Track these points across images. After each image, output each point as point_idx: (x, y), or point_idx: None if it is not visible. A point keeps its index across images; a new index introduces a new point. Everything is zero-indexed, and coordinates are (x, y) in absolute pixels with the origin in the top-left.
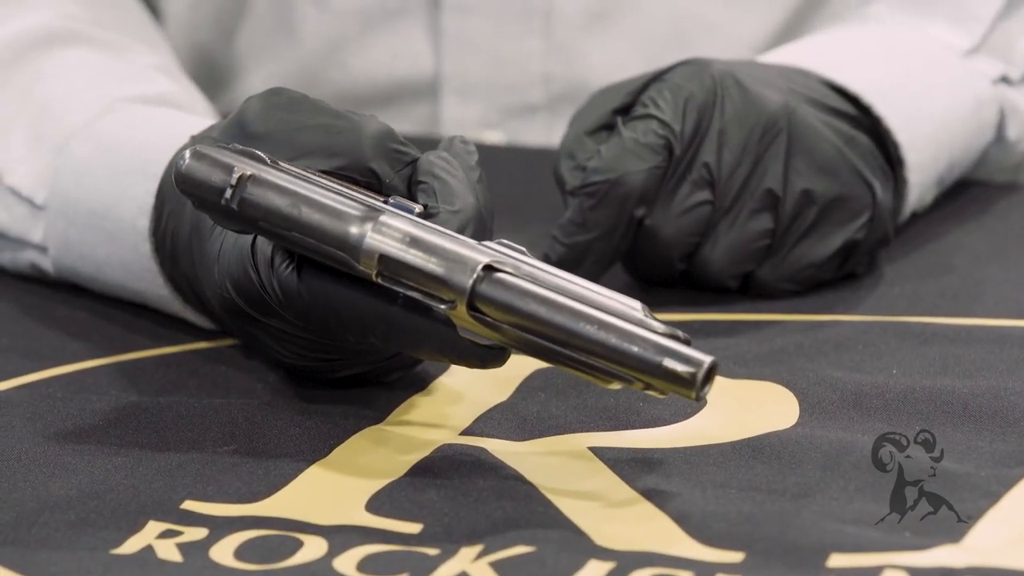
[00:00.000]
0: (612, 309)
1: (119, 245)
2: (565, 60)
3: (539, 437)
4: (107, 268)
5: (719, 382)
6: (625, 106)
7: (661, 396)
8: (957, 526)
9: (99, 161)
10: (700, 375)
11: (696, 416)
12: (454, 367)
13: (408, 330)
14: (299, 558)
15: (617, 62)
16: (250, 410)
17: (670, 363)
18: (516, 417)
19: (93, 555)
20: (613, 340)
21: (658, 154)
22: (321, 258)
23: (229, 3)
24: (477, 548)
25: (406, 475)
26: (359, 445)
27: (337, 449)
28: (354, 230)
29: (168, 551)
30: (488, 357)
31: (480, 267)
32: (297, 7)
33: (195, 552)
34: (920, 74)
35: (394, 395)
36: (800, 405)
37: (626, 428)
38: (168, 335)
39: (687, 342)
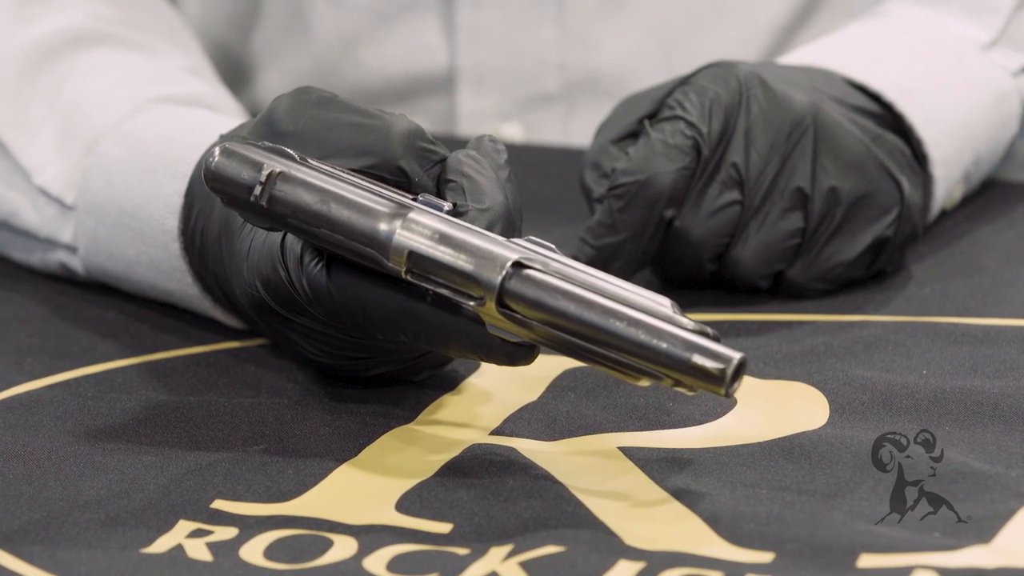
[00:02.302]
0: (641, 306)
1: (148, 244)
2: (580, 48)
3: (569, 437)
4: (137, 267)
5: (749, 382)
6: (650, 114)
7: (691, 393)
8: (988, 526)
9: (129, 161)
10: (729, 371)
11: (726, 416)
12: (484, 366)
13: (437, 327)
14: (329, 558)
15: (632, 48)
16: (280, 410)
17: (699, 359)
18: (546, 417)
19: (123, 554)
20: (642, 337)
21: (686, 155)
22: (350, 255)
23: (244, 2)
24: (507, 548)
25: (436, 475)
26: (389, 445)
27: (367, 449)
28: (383, 227)
29: (198, 550)
30: (517, 354)
31: (509, 263)
32: (311, 4)
33: (225, 551)
34: (940, 70)
35: (424, 395)
36: (830, 405)
37: (656, 428)
38: (198, 335)
39: (716, 339)
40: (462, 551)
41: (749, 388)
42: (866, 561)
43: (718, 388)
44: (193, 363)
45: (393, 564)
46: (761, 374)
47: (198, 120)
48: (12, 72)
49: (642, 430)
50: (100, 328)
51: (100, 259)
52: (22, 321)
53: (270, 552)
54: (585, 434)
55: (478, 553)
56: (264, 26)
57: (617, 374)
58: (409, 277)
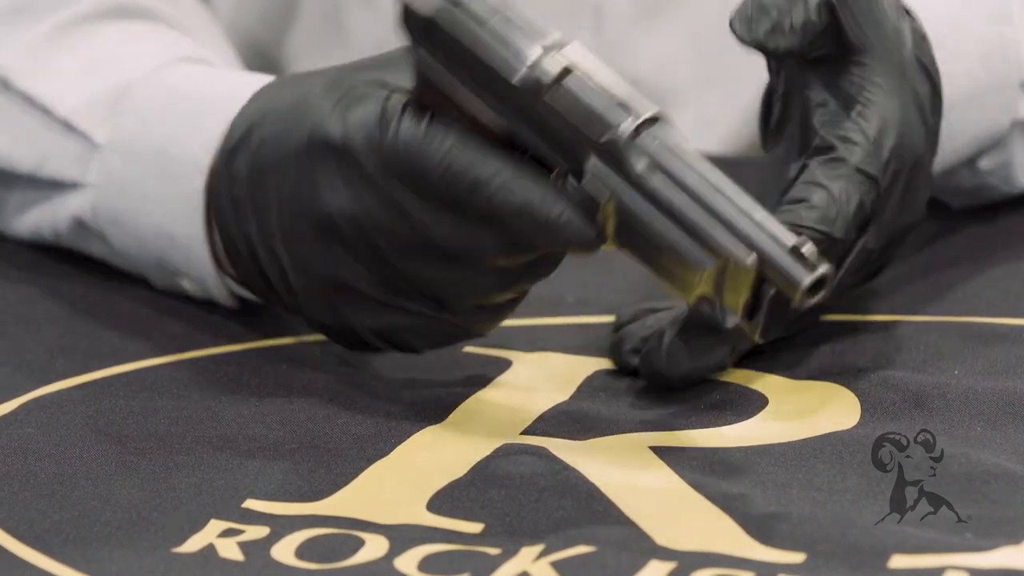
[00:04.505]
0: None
1: (172, 182)
2: (616, 55)
3: (600, 436)
4: (150, 206)
5: (780, 383)
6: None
7: (737, 317)
8: (1020, 527)
9: (165, 102)
10: (807, 279)
11: (757, 416)
12: (514, 366)
13: (518, 192)
14: (360, 557)
15: (669, 56)
16: (312, 409)
17: (789, 254)
18: (577, 416)
19: (155, 554)
20: (742, 221)
21: None
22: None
23: (278, 6)
24: (538, 548)
25: (467, 474)
26: (420, 444)
27: (398, 448)
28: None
29: (230, 550)
30: (583, 239)
31: (646, 117)
32: (346, 9)
33: (257, 551)
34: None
35: (455, 394)
36: (861, 406)
37: (687, 428)
38: (229, 334)
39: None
40: (493, 551)
41: (780, 388)
42: (897, 562)
43: (793, 288)
44: (224, 362)
45: (424, 564)
46: (792, 374)
47: (233, 74)
48: (42, 36)
49: (673, 430)
50: (131, 327)
51: (113, 199)
52: (54, 320)
53: (301, 552)
54: (616, 434)
55: (509, 553)
56: (298, 29)
57: (678, 269)
58: (548, 99)
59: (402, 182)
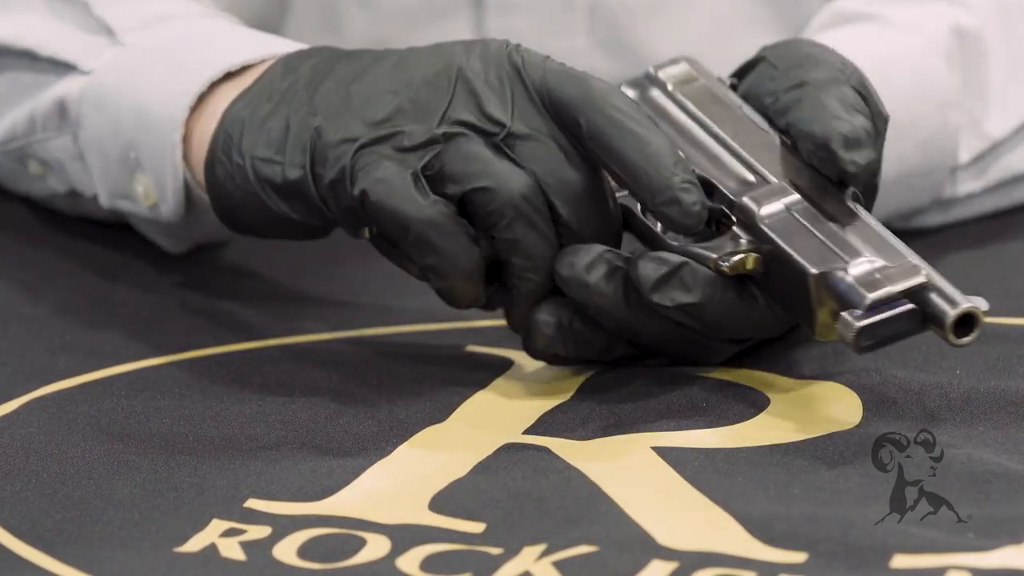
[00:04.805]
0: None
1: (181, 75)
2: (610, 56)
3: (602, 436)
4: (144, 90)
5: (782, 382)
6: None
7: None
8: (1021, 527)
9: (206, 31)
10: (953, 314)
11: (759, 416)
12: (518, 365)
13: (662, 143)
14: (362, 557)
15: (662, 57)
16: (313, 408)
17: (945, 282)
18: (579, 416)
19: (156, 553)
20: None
21: None
22: None
23: (272, 6)
24: (540, 547)
25: (469, 474)
26: (422, 444)
27: (400, 448)
28: None
29: (231, 549)
30: (693, 212)
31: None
32: (342, 8)
33: (258, 550)
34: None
35: (457, 394)
36: (864, 405)
37: (689, 428)
38: (230, 333)
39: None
40: (495, 551)
41: (781, 388)
42: (899, 561)
43: (951, 311)
44: (227, 362)
45: (426, 564)
46: (794, 374)
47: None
48: None
49: (675, 430)
50: (132, 327)
51: (107, 83)
52: (57, 318)
53: (303, 551)
54: (618, 433)
55: (511, 553)
56: (294, 30)
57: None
58: None
59: (550, 96)
